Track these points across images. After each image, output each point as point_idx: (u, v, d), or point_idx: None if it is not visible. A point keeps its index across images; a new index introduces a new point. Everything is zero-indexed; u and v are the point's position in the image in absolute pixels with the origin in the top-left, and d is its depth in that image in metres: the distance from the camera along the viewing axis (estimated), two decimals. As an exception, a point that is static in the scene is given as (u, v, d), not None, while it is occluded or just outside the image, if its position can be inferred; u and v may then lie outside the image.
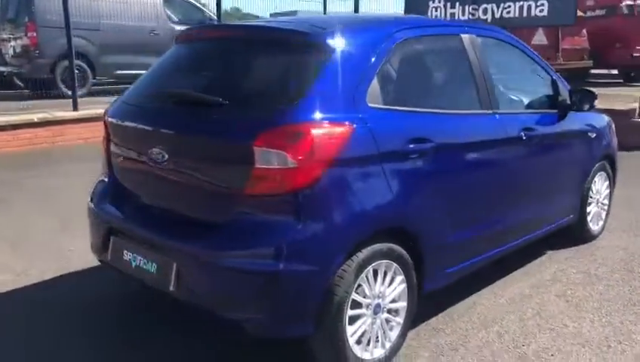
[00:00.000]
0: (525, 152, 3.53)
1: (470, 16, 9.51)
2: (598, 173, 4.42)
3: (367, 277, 2.59)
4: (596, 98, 3.89)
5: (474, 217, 3.20)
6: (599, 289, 3.68)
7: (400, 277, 2.76)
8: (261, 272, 2.38)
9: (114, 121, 3.07)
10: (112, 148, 3.11)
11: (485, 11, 9.36)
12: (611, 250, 4.34)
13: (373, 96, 2.67)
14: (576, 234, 4.36)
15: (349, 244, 2.49)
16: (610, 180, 4.62)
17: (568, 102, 3.89)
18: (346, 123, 2.50)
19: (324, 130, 2.42)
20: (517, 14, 9.04)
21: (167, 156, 2.68)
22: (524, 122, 3.55)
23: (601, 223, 4.60)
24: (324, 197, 2.42)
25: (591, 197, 4.36)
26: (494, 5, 9.23)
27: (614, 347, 2.99)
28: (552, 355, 2.91)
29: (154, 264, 2.68)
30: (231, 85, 2.75)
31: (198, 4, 12.56)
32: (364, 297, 2.61)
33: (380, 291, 2.68)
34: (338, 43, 2.64)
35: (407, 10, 10.68)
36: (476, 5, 9.41)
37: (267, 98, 2.57)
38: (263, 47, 2.80)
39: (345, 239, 2.48)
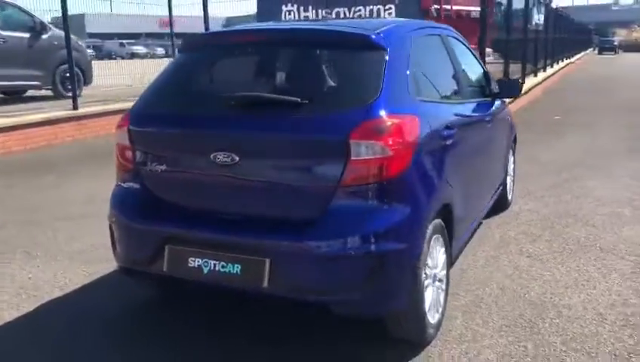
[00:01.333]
0: (487, 133, 4.14)
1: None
2: (510, 150, 5.24)
3: (431, 250, 2.93)
4: (523, 85, 4.65)
5: (472, 189, 3.70)
6: (543, 244, 4.43)
7: (442, 249, 3.13)
8: (368, 256, 2.58)
9: (149, 129, 3.00)
10: (144, 157, 3.02)
11: (338, 14, 10.05)
12: (529, 214, 5.18)
13: (415, 90, 3.01)
14: (501, 203, 5.11)
15: (429, 221, 2.81)
16: (514, 156, 5.49)
17: (496, 90, 4.58)
18: (415, 114, 2.81)
19: (406, 121, 2.71)
20: (367, 16, 9.87)
21: (237, 159, 2.72)
22: (482, 108, 4.15)
23: (511, 192, 5.44)
24: (412, 181, 2.70)
25: (508, 169, 5.16)
26: (346, 9, 9.97)
27: (587, 284, 3.70)
28: (551, 297, 3.52)
29: (237, 265, 2.72)
30: (299, 86, 2.88)
31: (25, 10, 11.49)
32: (429, 268, 2.95)
33: (436, 262, 3.04)
34: (391, 43, 2.93)
35: (259, 13, 11.00)
36: (329, 9, 10.06)
37: (345, 96, 2.76)
38: (321, 48, 2.97)
39: (427, 217, 2.80)
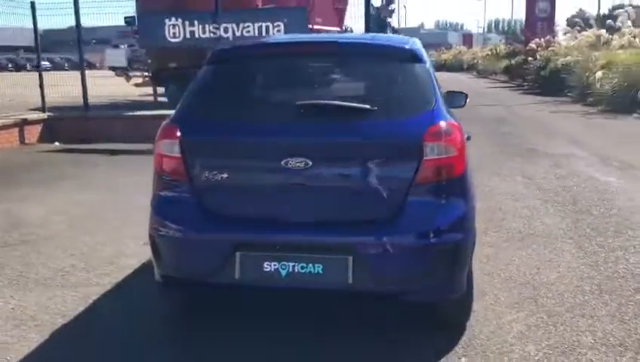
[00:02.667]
0: None
1: (212, 35, 10.16)
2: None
3: None
4: (467, 97, 5.22)
5: None
6: (495, 235, 5.02)
7: None
8: (441, 246, 2.88)
9: (208, 139, 3.03)
10: (200, 166, 3.02)
11: (226, 30, 10.13)
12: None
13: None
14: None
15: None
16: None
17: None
18: (454, 120, 3.16)
19: (457, 125, 3.05)
20: (257, 33, 10.08)
21: (310, 163, 2.87)
22: None
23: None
24: (468, 177, 3.05)
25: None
26: (234, 25, 10.09)
27: (552, 264, 4.32)
28: (533, 277, 4.07)
29: (318, 265, 2.85)
30: (357, 95, 3.08)
31: None
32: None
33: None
34: (425, 57, 3.27)
35: (140, 27, 10.74)
36: (217, 24, 10.10)
37: (406, 103, 3.03)
38: (370, 59, 3.22)
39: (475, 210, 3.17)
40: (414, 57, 3.19)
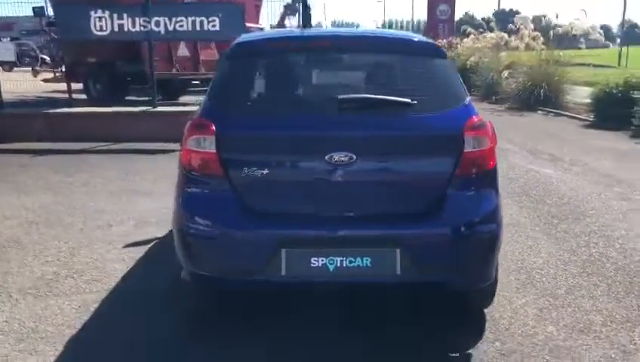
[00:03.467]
0: None
1: (142, 28, 9.75)
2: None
3: None
4: None
5: None
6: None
7: None
8: (482, 235, 2.98)
9: (247, 134, 2.96)
10: (237, 162, 2.94)
11: (158, 24, 9.76)
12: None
13: None
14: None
15: None
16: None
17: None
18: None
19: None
20: (190, 28, 9.79)
21: (355, 157, 2.87)
22: None
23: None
24: (497, 170, 3.17)
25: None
26: (167, 19, 9.73)
27: (533, 250, 4.58)
28: (522, 263, 4.31)
29: (367, 258, 2.87)
30: (392, 88, 3.11)
31: None
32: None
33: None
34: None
35: (58, 19, 10.14)
36: (147, 18, 9.70)
37: (441, 97, 3.08)
38: (399, 55, 3.27)
39: None
40: (442, 54, 3.28)
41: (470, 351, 3.09)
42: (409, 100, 2.98)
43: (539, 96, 14.76)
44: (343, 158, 2.87)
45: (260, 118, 3.00)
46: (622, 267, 4.21)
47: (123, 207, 5.73)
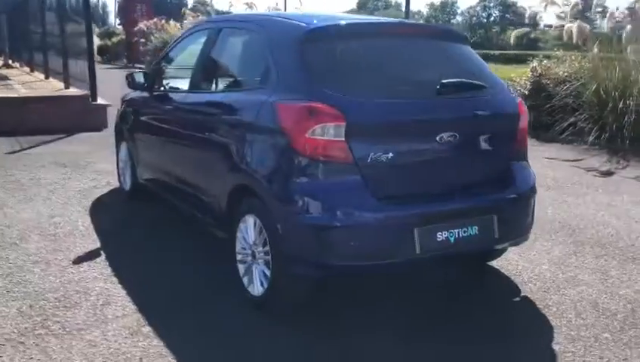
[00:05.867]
0: None
1: None
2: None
3: None
4: None
5: None
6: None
7: None
8: (534, 196, 3.52)
9: (375, 120, 3.03)
10: (366, 148, 2.95)
11: None
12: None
13: None
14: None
15: None
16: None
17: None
18: None
19: None
20: None
21: (457, 136, 3.16)
22: None
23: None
24: None
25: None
26: None
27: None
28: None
29: (474, 227, 3.18)
30: (460, 72, 3.40)
31: None
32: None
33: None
34: None
35: None
36: None
37: (490, 81, 3.48)
38: (445, 41, 3.60)
39: None
40: (468, 40, 3.73)
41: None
42: (484, 84, 3.38)
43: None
44: (450, 138, 3.12)
45: (378, 103, 3.05)
46: None
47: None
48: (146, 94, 4.78)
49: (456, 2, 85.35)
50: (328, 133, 2.89)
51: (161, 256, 4.13)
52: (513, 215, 3.39)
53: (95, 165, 6.65)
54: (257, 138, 3.24)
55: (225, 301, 3.42)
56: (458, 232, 3.13)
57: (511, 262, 4.07)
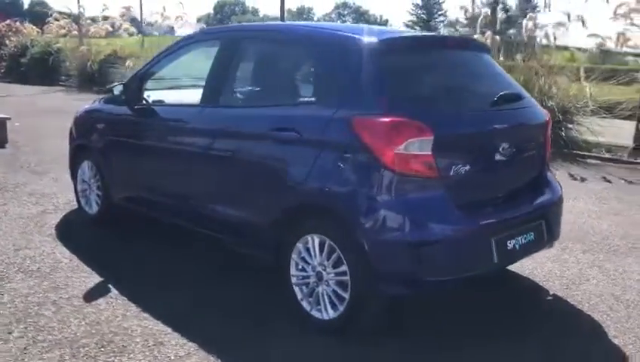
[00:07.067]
0: None
1: None
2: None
3: None
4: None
5: None
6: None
7: None
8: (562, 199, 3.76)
9: (454, 133, 3.07)
10: (447, 161, 2.99)
11: None
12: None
13: None
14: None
15: None
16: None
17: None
18: None
19: None
20: None
21: (512, 146, 3.27)
22: None
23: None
24: None
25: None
26: None
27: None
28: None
29: (531, 233, 3.32)
30: (501, 82, 3.53)
31: None
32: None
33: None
34: None
35: None
36: None
37: (520, 90, 3.65)
38: (483, 53, 3.69)
39: None
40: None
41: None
42: (525, 94, 3.53)
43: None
44: (508, 149, 3.23)
45: (456, 115, 3.09)
46: None
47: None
48: (125, 108, 4.35)
49: (312, 9, 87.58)
50: (417, 147, 2.86)
51: (176, 281, 3.83)
52: (554, 219, 3.58)
53: (25, 187, 5.90)
54: (325, 155, 3.08)
55: (281, 327, 3.25)
56: (521, 239, 3.25)
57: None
